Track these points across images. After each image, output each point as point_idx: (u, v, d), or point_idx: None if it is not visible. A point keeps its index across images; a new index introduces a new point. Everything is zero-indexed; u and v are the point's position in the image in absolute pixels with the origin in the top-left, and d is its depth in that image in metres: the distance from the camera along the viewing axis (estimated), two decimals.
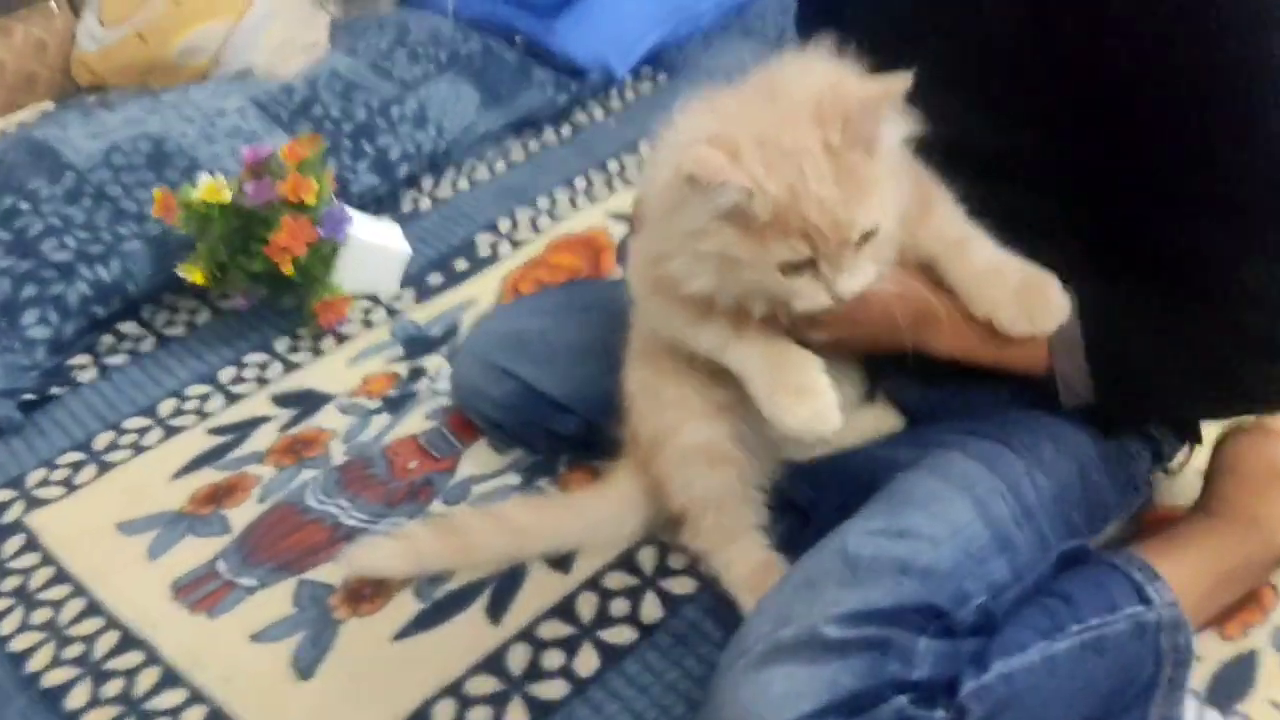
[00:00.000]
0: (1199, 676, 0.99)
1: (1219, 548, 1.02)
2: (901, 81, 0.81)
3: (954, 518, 0.92)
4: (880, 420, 1.11)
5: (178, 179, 1.63)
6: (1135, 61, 0.86)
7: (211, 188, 1.49)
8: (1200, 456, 1.12)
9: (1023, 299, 0.92)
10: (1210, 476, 1.09)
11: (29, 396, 1.47)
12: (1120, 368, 0.95)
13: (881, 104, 0.81)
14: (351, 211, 1.59)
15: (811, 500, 1.05)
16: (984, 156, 0.91)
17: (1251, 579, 1.04)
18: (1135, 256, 0.93)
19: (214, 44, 1.95)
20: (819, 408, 0.92)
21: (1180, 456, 1.12)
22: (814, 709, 0.80)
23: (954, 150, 0.91)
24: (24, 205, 1.60)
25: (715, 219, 0.83)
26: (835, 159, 0.81)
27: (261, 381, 1.48)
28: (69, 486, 1.35)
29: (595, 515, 1.15)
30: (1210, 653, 1.01)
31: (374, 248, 1.60)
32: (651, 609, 1.10)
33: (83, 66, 2.02)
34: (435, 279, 1.64)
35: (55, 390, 1.49)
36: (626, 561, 1.15)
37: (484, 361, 1.25)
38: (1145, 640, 0.91)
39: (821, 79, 0.85)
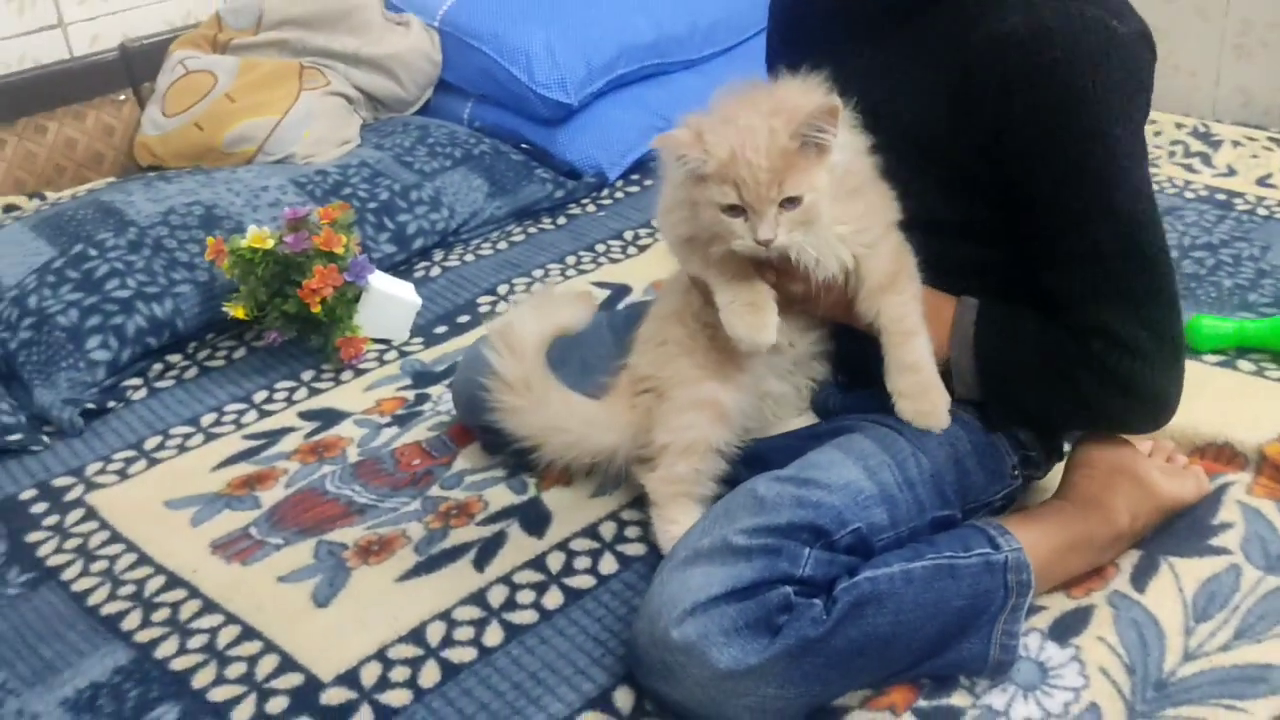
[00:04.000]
0: (1043, 620, 1.22)
1: (1064, 520, 1.26)
2: (833, 101, 1.11)
3: (847, 476, 1.18)
4: (805, 421, 1.38)
5: (225, 237, 1.91)
6: (1017, 155, 1.16)
7: (258, 236, 1.77)
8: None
9: (919, 399, 1.23)
10: (1066, 470, 1.34)
11: (90, 406, 1.72)
12: (999, 366, 1.22)
13: (820, 114, 1.10)
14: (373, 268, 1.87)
15: (742, 475, 1.28)
16: (921, 216, 1.22)
17: (1094, 554, 1.27)
18: (1025, 292, 1.22)
19: (260, 135, 2.26)
20: (762, 321, 1.19)
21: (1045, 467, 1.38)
22: (721, 592, 1.05)
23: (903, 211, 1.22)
24: (92, 252, 1.88)
25: (685, 175, 1.15)
26: (773, 140, 1.10)
27: (290, 402, 1.74)
28: (123, 475, 1.59)
29: (593, 418, 1.37)
30: (1055, 604, 1.24)
31: (390, 297, 1.87)
32: (609, 564, 1.34)
33: (144, 149, 2.33)
34: (441, 329, 1.91)
35: (111, 404, 1.75)
36: (590, 531, 1.39)
37: (477, 374, 1.49)
38: (995, 575, 1.16)
39: (799, 94, 1.16)
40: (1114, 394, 1.19)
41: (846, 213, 1.18)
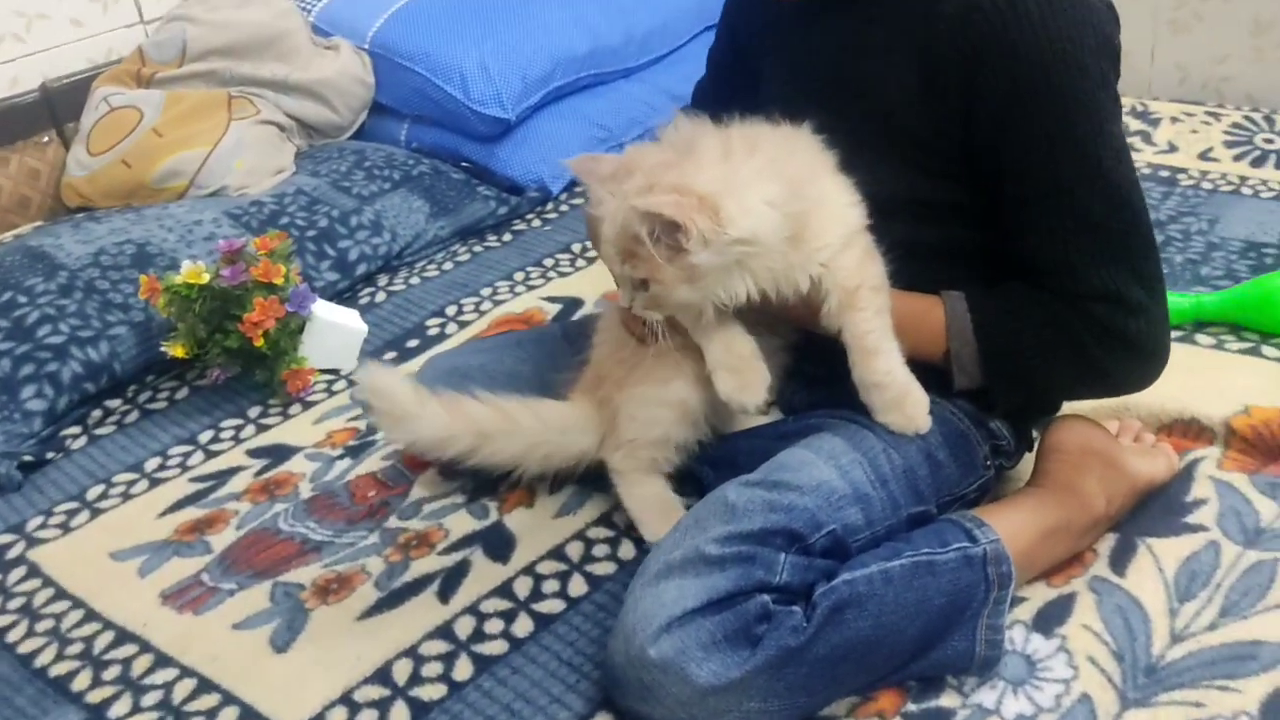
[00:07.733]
0: (1026, 611, 1.19)
1: (1040, 508, 1.23)
2: (679, 217, 1.05)
3: (819, 476, 1.14)
4: (772, 417, 1.36)
5: (159, 275, 1.85)
6: (995, 126, 1.14)
7: (193, 271, 1.71)
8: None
9: (895, 409, 1.20)
10: (1038, 457, 1.32)
11: (28, 458, 1.65)
12: (1003, 347, 1.20)
13: (652, 226, 1.06)
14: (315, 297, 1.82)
15: (709, 477, 1.27)
16: (891, 200, 1.18)
17: (1073, 540, 1.25)
18: (1012, 267, 1.20)
19: (191, 169, 2.20)
20: (747, 381, 1.18)
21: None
22: (696, 605, 1.01)
23: (870, 194, 1.18)
24: (22, 299, 1.81)
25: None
26: (623, 224, 1.10)
27: (237, 440, 1.68)
28: (65, 529, 1.52)
29: (567, 423, 1.34)
30: (1036, 594, 1.21)
31: (335, 325, 1.82)
32: (579, 586, 1.29)
33: (71, 190, 2.25)
34: (390, 355, 1.86)
35: (50, 455, 1.68)
36: (557, 553, 1.35)
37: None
38: (974, 569, 1.13)
39: (659, 157, 1.13)
40: (1121, 355, 1.18)
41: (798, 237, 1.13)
